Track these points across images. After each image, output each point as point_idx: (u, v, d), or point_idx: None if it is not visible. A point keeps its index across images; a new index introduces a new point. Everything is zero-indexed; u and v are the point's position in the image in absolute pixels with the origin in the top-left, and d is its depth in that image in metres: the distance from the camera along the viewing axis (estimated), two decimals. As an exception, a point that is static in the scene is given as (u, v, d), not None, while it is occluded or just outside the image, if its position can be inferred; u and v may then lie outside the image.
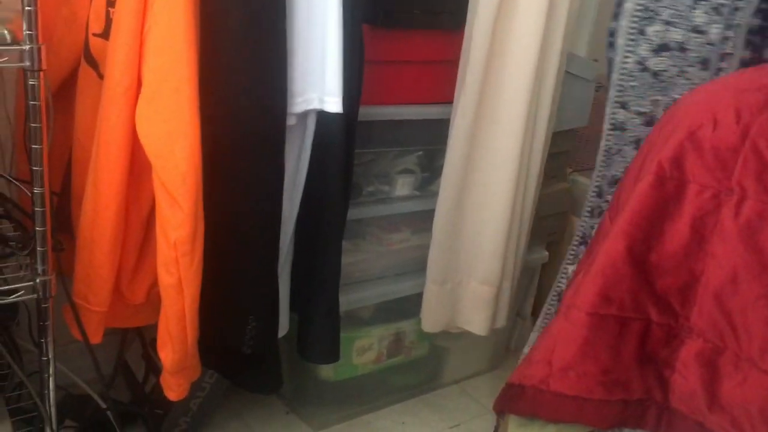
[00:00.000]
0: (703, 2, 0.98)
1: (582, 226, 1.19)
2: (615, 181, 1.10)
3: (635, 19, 1.03)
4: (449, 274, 1.46)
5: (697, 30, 0.98)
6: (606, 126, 1.12)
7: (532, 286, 1.84)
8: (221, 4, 0.93)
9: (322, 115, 1.10)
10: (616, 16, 1.07)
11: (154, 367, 1.32)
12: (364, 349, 1.53)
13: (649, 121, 1.05)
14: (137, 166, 0.98)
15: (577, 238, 1.18)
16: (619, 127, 1.10)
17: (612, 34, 1.09)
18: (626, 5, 1.05)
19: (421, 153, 1.53)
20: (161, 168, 0.92)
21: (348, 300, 1.42)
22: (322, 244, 1.22)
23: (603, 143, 1.14)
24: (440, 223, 1.41)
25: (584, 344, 0.70)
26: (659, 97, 1.04)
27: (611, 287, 0.70)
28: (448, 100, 1.40)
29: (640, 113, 1.07)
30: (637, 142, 1.06)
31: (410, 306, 1.53)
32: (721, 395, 0.67)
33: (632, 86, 1.06)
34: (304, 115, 1.09)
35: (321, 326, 1.27)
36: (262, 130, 1.02)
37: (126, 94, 0.92)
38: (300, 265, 1.25)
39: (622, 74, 1.07)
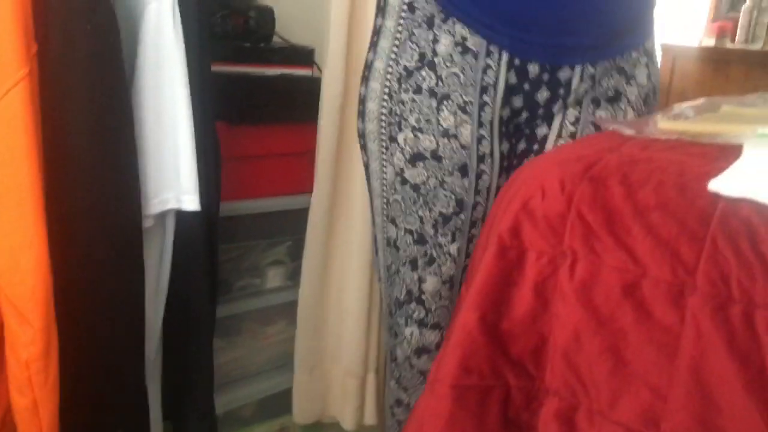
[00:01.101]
0: (446, 102, 0.91)
1: (387, 343, 1.09)
2: (400, 304, 1.00)
3: (383, 123, 0.95)
4: (317, 361, 1.46)
5: (448, 134, 0.91)
6: (380, 237, 1.03)
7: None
8: (64, 114, 0.92)
9: (181, 215, 1.09)
10: (361, 116, 0.99)
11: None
12: (249, 450, 1.48)
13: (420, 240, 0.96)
14: (-19, 283, 0.93)
15: (389, 355, 1.10)
16: (392, 244, 1.00)
17: (361, 135, 1.00)
18: (369, 105, 0.97)
19: (290, 243, 1.54)
20: (7, 284, 0.88)
21: (227, 400, 1.38)
22: (192, 345, 1.19)
23: (381, 257, 1.04)
24: (303, 310, 1.42)
25: (450, 417, 0.72)
26: (423, 213, 0.95)
27: (469, 357, 0.72)
28: (309, 190, 1.43)
29: (409, 231, 0.97)
30: (413, 262, 0.98)
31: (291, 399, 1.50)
32: (582, 451, 0.70)
33: (396, 200, 0.97)
34: (162, 215, 1.08)
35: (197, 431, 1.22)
36: (117, 235, 1.00)
37: (-36, 209, 0.88)
38: (171, 369, 1.21)
39: (384, 185, 0.98)
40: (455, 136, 0.91)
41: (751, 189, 0.67)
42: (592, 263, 0.68)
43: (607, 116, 0.92)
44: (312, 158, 1.42)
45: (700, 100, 0.97)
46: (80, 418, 0.99)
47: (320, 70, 1.46)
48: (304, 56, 1.46)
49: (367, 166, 1.01)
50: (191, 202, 1.04)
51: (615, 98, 0.95)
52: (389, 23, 0.94)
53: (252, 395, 1.46)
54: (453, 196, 0.94)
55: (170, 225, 1.11)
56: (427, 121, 0.91)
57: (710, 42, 2.87)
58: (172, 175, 1.03)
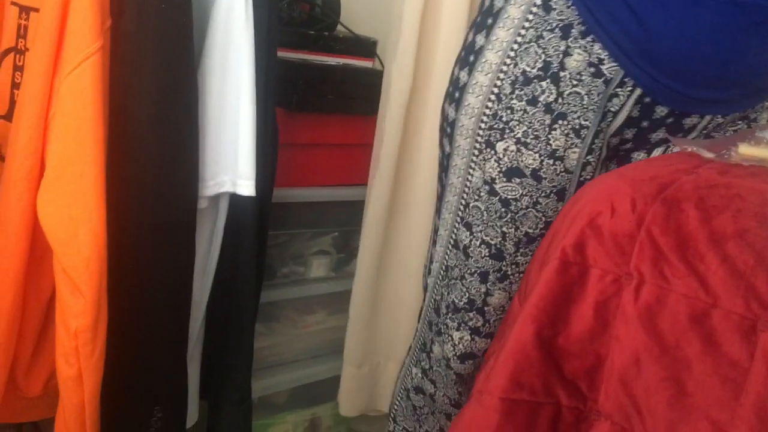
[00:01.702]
0: (561, 122, 0.83)
1: (422, 333, 1.05)
2: (456, 309, 0.95)
3: (482, 125, 0.88)
4: (367, 356, 1.45)
5: (555, 156, 0.85)
6: (445, 234, 0.96)
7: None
8: (132, 90, 0.92)
9: (234, 198, 1.09)
10: (456, 103, 0.91)
11: (50, 464, 1.23)
12: (279, 437, 1.49)
13: (498, 255, 0.90)
14: (38, 251, 0.94)
15: (419, 343, 1.06)
16: (462, 249, 0.94)
17: (451, 124, 0.92)
18: (470, 99, 0.88)
19: (336, 234, 1.54)
20: (63, 253, 0.89)
21: (261, 385, 1.38)
22: (234, 328, 1.19)
23: (442, 253, 0.97)
24: (357, 305, 1.41)
25: (497, 430, 0.70)
26: (508, 230, 0.89)
27: (522, 372, 0.71)
28: (361, 182, 1.42)
29: (486, 243, 0.91)
30: (483, 275, 0.92)
31: (326, 390, 1.50)
32: (630, 477, 0.68)
33: (477, 207, 0.90)
34: (216, 198, 1.08)
35: (232, 414, 1.22)
36: (172, 214, 1.00)
37: (28, 177, 0.89)
38: (211, 350, 1.21)
39: (467, 186, 0.91)
40: (561, 159, 0.85)
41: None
42: (660, 288, 0.66)
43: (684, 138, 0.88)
44: (366, 151, 1.41)
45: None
46: (121, 391, 1.00)
47: (381, 63, 1.45)
48: (367, 48, 1.45)
49: (448, 156, 0.94)
50: (247, 187, 1.04)
51: None
52: (513, 11, 0.84)
53: (286, 383, 1.47)
54: (543, 219, 0.88)
55: (223, 208, 1.11)
56: (536, 137, 0.84)
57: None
58: (231, 158, 1.03)
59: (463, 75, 0.90)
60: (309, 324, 1.52)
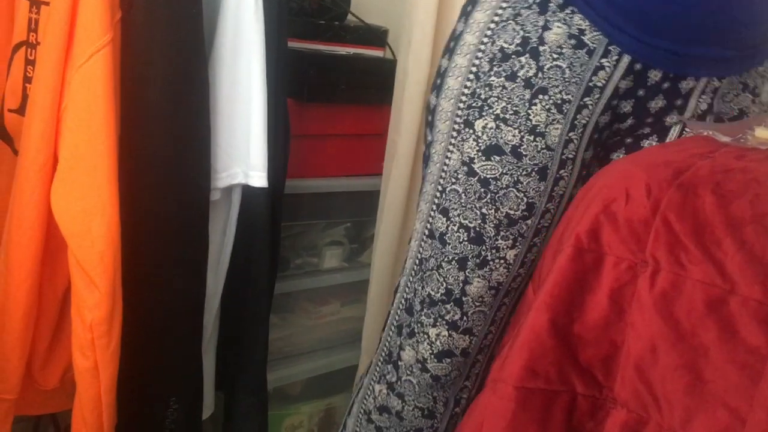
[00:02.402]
0: (542, 97, 0.81)
1: (388, 342, 1.00)
2: (432, 302, 0.92)
3: (461, 105, 0.85)
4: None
5: (535, 131, 0.82)
6: (420, 226, 0.93)
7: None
8: (143, 82, 0.92)
9: (247, 190, 1.09)
10: (437, 90, 0.90)
11: (68, 455, 1.24)
12: (294, 427, 1.49)
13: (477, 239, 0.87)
14: (52, 244, 0.95)
15: (383, 355, 1.01)
16: (438, 237, 0.91)
17: (431, 111, 0.90)
18: (450, 81, 0.87)
19: (349, 225, 1.54)
20: (77, 247, 0.89)
21: (277, 376, 1.39)
22: (249, 319, 1.19)
23: (415, 246, 0.94)
24: (375, 295, 1.40)
25: (513, 419, 0.70)
26: (488, 211, 0.86)
27: (537, 360, 0.70)
28: (374, 172, 1.41)
29: (465, 227, 0.88)
30: (462, 261, 0.88)
31: (341, 380, 1.50)
32: (647, 465, 0.68)
33: (454, 190, 0.88)
34: (229, 189, 1.08)
35: (248, 405, 1.23)
36: (185, 206, 1.01)
37: (41, 170, 0.89)
38: (226, 341, 1.22)
39: (444, 171, 0.89)
40: (542, 135, 0.82)
41: None
42: (676, 274, 0.65)
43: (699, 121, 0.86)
44: (378, 141, 1.40)
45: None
46: (137, 384, 1.01)
47: (393, 52, 1.44)
48: (378, 37, 1.44)
49: (428, 146, 0.92)
50: (259, 179, 1.04)
51: (737, 118, 0.88)
52: None
53: (301, 374, 1.47)
54: (525, 199, 0.85)
55: (236, 199, 1.11)
56: (515, 113, 0.82)
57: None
58: (243, 150, 1.03)
59: (444, 61, 0.89)
60: (323, 315, 1.52)
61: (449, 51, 0.89)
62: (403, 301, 0.97)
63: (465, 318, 0.91)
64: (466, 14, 0.88)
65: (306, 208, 1.45)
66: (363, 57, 1.40)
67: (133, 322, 0.96)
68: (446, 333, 0.92)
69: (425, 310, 0.93)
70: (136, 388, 1.01)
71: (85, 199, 0.88)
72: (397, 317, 0.98)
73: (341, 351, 1.52)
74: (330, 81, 1.35)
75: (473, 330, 0.92)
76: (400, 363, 0.97)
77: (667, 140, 0.88)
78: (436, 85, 0.91)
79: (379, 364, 1.01)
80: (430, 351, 0.94)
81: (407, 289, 0.97)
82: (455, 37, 0.89)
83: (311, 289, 1.49)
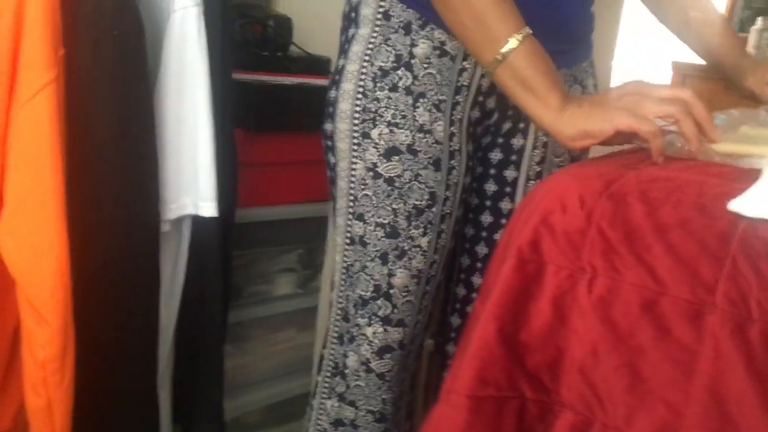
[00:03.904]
0: (422, 100, 0.94)
1: (332, 354, 1.06)
2: (364, 302, 1.00)
3: (356, 121, 0.97)
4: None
5: (423, 129, 0.95)
6: (340, 239, 1.02)
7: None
8: (88, 118, 0.93)
9: (197, 220, 1.10)
10: (331, 117, 1.00)
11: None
12: (254, 456, 1.49)
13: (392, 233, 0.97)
14: (0, 283, 0.94)
15: (329, 369, 1.06)
16: (358, 241, 1.00)
17: (329, 136, 1.01)
18: (341, 105, 0.98)
19: (301, 251, 1.55)
20: (27, 284, 0.89)
21: (235, 405, 1.38)
22: (204, 350, 1.19)
23: (339, 258, 1.03)
24: (324, 319, 1.41)
25: (466, 428, 0.72)
26: (398, 206, 0.97)
27: (487, 369, 0.73)
28: (323, 198, 1.43)
29: (380, 224, 0.98)
30: (383, 256, 0.98)
31: (300, 406, 1.50)
32: (596, 465, 0.70)
33: (366, 195, 0.98)
34: (179, 220, 1.09)
35: (206, 437, 1.23)
36: (135, 239, 1.01)
37: (-13, 209, 0.89)
38: (182, 373, 1.21)
39: (352, 182, 0.99)
40: (430, 132, 0.95)
41: (770, 210, 0.68)
42: (612, 279, 0.69)
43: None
44: (323, 167, 1.42)
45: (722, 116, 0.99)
46: (92, 420, 1.00)
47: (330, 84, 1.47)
48: (321, 66, 1.47)
49: (333, 168, 1.02)
50: (209, 209, 1.05)
51: None
52: (363, 31, 0.97)
53: (260, 401, 1.47)
54: (427, 189, 0.96)
55: (186, 230, 1.12)
56: (403, 116, 0.94)
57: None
58: (191, 181, 1.05)
59: (332, 92, 1.01)
60: (279, 342, 1.52)
61: (335, 83, 1.00)
62: (338, 311, 1.04)
63: (396, 310, 1.00)
64: (344, 51, 1.00)
65: (258, 236, 1.46)
66: (307, 86, 1.43)
67: (86, 358, 0.95)
68: (381, 329, 1.00)
69: (359, 311, 1.01)
70: (91, 424, 1.00)
71: (33, 236, 0.88)
72: (336, 328, 1.05)
73: (298, 377, 1.52)
74: (276, 110, 1.37)
75: (405, 321, 1.01)
76: (346, 371, 1.03)
77: (528, 138, 1.02)
78: (329, 113, 1.01)
79: (327, 378, 1.06)
80: (371, 350, 1.01)
81: (340, 299, 1.04)
82: (338, 71, 1.00)
83: (265, 316, 1.49)
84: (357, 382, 1.02)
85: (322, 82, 1.46)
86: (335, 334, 1.05)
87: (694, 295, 0.64)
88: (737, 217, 0.68)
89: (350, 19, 1.00)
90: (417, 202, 0.97)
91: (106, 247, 0.98)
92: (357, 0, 0.98)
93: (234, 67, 1.20)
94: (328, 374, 1.06)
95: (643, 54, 2.95)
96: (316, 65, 1.47)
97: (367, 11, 0.96)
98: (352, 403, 1.03)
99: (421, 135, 0.95)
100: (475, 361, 0.73)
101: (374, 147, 0.96)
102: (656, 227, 0.68)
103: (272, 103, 1.36)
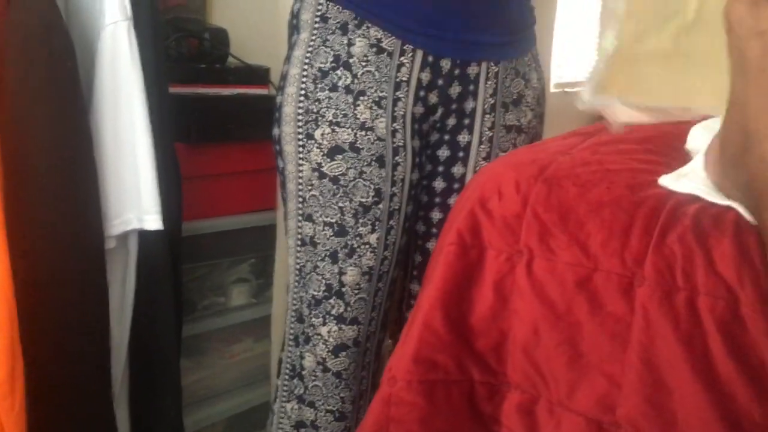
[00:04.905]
0: (362, 98, 0.95)
1: (290, 357, 1.06)
2: (317, 302, 1.00)
3: (299, 123, 0.98)
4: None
5: (365, 127, 0.96)
6: (292, 242, 1.03)
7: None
8: (23, 138, 0.92)
9: (143, 235, 1.10)
10: (277, 122, 1.02)
11: None
12: (219, 470, 1.48)
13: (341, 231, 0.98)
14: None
15: (287, 372, 1.06)
16: (309, 242, 1.01)
17: (277, 141, 1.03)
18: (285, 109, 0.99)
19: (253, 260, 1.55)
20: (-30, 309, 0.87)
21: (196, 419, 1.38)
22: (159, 366, 1.18)
23: (292, 261, 1.04)
24: (278, 325, 1.42)
25: (419, 412, 0.73)
26: (344, 204, 0.97)
27: (435, 353, 0.74)
28: (271, 206, 1.44)
29: (329, 224, 0.99)
30: (333, 255, 0.99)
31: (262, 416, 1.50)
32: (542, 442, 0.73)
33: (313, 195, 0.99)
34: (125, 236, 1.09)
35: (167, 453, 1.22)
36: (80, 258, 1.00)
37: (-76, 237, 0.87)
38: (138, 391, 1.20)
39: (300, 183, 0.99)
40: (372, 129, 0.96)
41: (698, 187, 0.71)
42: (548, 260, 0.71)
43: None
44: (270, 176, 1.43)
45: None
46: (48, 443, 0.99)
47: (276, 89, 1.47)
48: (260, 76, 1.48)
49: (282, 172, 1.03)
50: (153, 222, 1.05)
51: (518, 101, 1.05)
52: (303, 35, 0.99)
53: (220, 414, 1.46)
54: (372, 186, 0.97)
55: (133, 246, 1.11)
56: (344, 115, 0.96)
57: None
58: (133, 195, 1.04)
59: (279, 97, 1.02)
60: (236, 353, 1.52)
61: (281, 88, 1.02)
62: (293, 314, 1.05)
63: (349, 308, 1.01)
64: (288, 57, 1.02)
65: (209, 249, 1.45)
66: (247, 96, 1.43)
67: (37, 381, 0.94)
68: (336, 328, 1.01)
69: (313, 311, 1.02)
70: (47, 448, 0.98)
71: (-27, 260, 0.87)
72: (292, 330, 1.06)
73: (258, 387, 1.52)
74: (217, 122, 1.37)
75: (359, 318, 1.02)
76: (303, 372, 1.04)
77: (474, 134, 1.03)
78: (276, 118, 1.03)
79: (286, 382, 1.06)
80: (327, 349, 1.02)
81: (294, 301, 1.05)
82: (283, 76, 1.02)
83: (221, 328, 1.49)
84: (315, 383, 1.03)
85: (261, 91, 1.47)
86: (291, 337, 1.06)
87: (624, 267, 0.67)
88: (668, 193, 0.71)
89: (292, 26, 1.02)
90: (363, 200, 0.98)
91: (49, 267, 0.97)
92: (298, 7, 1.00)
93: (171, 81, 1.20)
94: (287, 377, 1.06)
95: (582, 43, 3.02)
96: (255, 75, 1.47)
97: (306, 16, 0.98)
98: (311, 404, 1.04)
99: (363, 133, 0.96)
100: (423, 346, 0.75)
101: (318, 147, 0.97)
102: (589, 206, 0.71)
103: (212, 115, 1.36)
